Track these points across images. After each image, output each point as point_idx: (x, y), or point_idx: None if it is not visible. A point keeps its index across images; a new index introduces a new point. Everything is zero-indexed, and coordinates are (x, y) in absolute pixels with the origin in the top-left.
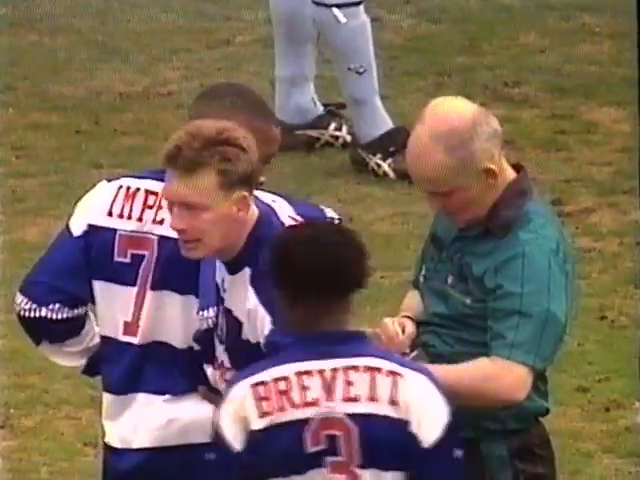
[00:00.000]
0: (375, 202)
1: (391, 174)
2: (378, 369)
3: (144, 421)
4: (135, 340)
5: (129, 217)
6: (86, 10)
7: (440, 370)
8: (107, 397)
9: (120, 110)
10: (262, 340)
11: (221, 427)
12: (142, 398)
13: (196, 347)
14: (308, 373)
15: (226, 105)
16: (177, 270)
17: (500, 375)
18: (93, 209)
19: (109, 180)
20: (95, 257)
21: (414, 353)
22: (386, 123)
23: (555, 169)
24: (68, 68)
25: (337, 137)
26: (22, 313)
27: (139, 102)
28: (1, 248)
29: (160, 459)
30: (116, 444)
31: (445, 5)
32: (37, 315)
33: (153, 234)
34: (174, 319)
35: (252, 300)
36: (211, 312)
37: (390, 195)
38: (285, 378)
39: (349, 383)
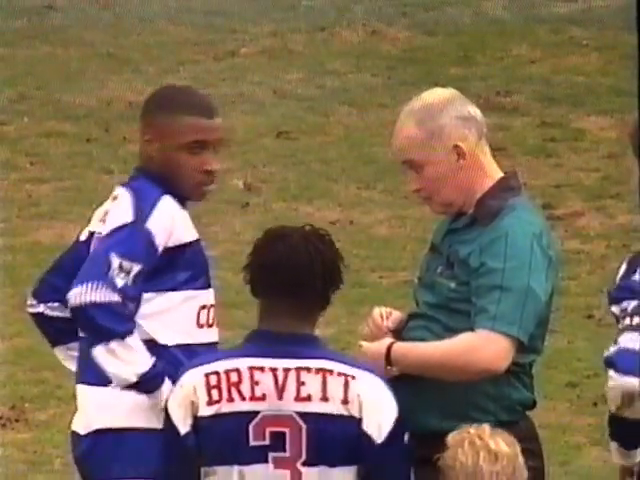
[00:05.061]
0: (374, 206)
1: None
2: (330, 371)
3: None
4: None
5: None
6: (98, 23)
7: (427, 347)
8: None
9: (130, 119)
10: None
11: (168, 409)
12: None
13: None
14: (261, 369)
15: (141, 124)
16: None
17: (483, 345)
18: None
19: None
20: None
21: None
22: None
23: (545, 175)
24: (80, 79)
25: None
26: (27, 309)
27: None
28: (17, 250)
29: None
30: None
31: (440, 18)
32: (36, 311)
33: None
34: None
35: None
36: None
37: (388, 199)
38: (237, 370)
39: (301, 383)
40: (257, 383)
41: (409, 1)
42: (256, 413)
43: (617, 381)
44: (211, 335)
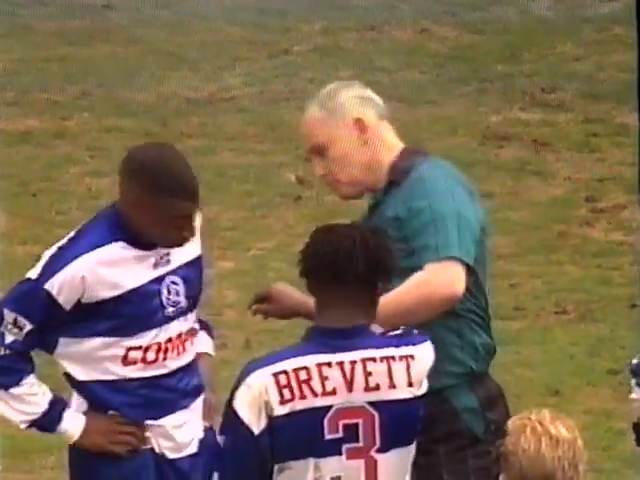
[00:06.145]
0: None
1: None
2: (392, 357)
3: None
4: None
5: None
6: (156, 22)
7: (383, 299)
8: None
9: (186, 114)
10: None
11: (237, 411)
12: None
13: None
14: (328, 364)
15: (121, 179)
16: None
17: (434, 275)
18: None
19: None
20: None
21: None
22: None
23: (589, 169)
24: (139, 76)
25: None
26: None
27: (204, 107)
28: None
29: None
30: None
31: (487, 17)
32: None
33: None
34: None
35: None
36: None
37: None
38: (306, 368)
39: (368, 374)
40: (327, 378)
41: (457, 1)
42: (329, 407)
43: (639, 394)
44: (151, 371)
